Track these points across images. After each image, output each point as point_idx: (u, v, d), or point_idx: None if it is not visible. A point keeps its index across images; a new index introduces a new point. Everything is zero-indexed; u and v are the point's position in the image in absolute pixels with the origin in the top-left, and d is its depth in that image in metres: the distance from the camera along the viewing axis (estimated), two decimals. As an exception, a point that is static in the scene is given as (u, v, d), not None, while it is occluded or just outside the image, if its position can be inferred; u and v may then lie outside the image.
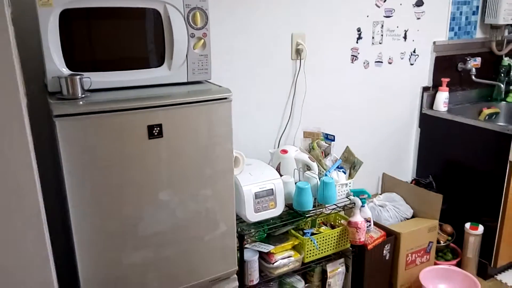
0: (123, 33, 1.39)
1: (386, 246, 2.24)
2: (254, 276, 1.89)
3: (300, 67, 2.23)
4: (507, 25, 2.74)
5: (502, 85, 2.81)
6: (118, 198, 1.33)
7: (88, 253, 1.33)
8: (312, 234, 2.02)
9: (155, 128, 1.34)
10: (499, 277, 2.49)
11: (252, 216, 1.83)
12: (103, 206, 1.32)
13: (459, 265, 2.47)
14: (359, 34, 2.36)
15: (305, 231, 2.04)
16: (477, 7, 2.71)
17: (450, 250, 2.54)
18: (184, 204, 1.46)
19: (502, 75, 2.83)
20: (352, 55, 2.38)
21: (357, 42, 2.37)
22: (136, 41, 1.41)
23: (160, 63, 1.46)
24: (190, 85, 1.53)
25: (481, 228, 2.40)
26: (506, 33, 2.79)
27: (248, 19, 2.03)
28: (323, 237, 2.02)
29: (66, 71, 1.30)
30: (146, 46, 1.44)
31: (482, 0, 2.71)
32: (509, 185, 2.29)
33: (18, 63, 1.00)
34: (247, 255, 1.86)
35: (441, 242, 2.49)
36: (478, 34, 2.78)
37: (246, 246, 1.87)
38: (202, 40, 1.50)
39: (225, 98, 1.45)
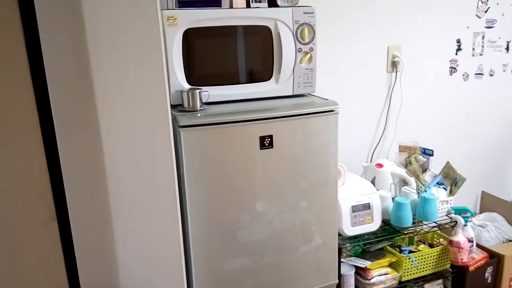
0: (237, 49, 1.46)
1: (488, 269, 2.10)
2: (350, 291, 1.86)
3: (396, 79, 2.19)
4: None
5: None
6: (230, 204, 1.39)
7: (202, 258, 1.39)
8: (410, 252, 1.96)
9: (266, 139, 1.39)
10: None
11: (349, 230, 1.82)
12: (218, 211, 1.38)
13: None
14: (459, 46, 2.28)
15: (402, 248, 1.98)
16: None
17: (560, 277, 2.33)
18: (290, 214, 1.49)
19: None
20: (451, 67, 2.29)
21: (456, 54, 2.29)
22: (248, 56, 1.48)
23: (269, 77, 1.51)
24: (295, 98, 1.56)
25: None
26: None
27: (344, 32, 2.04)
28: (422, 255, 1.95)
29: (187, 85, 1.40)
30: (257, 61, 1.50)
31: None
32: None
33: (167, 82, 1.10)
34: (344, 269, 1.84)
35: (550, 268, 2.29)
36: None
37: (342, 260, 1.85)
38: (309, 55, 1.54)
39: (332, 111, 1.47)
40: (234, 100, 1.49)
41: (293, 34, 1.50)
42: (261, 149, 1.39)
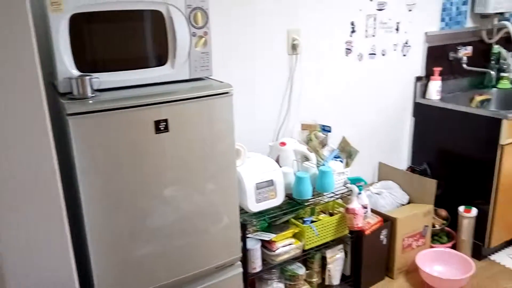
0: (128, 34, 1.45)
1: (383, 231, 2.33)
2: (256, 264, 1.97)
3: (297, 61, 2.30)
4: (497, 13, 2.81)
5: (493, 72, 2.89)
6: (128, 192, 1.41)
7: (101, 247, 1.41)
8: (312, 222, 2.11)
9: (162, 123, 1.42)
10: (493, 257, 2.59)
11: (254, 206, 1.91)
12: (114, 200, 1.39)
13: (454, 247, 2.56)
14: (353, 28, 2.43)
15: (305, 219, 2.12)
16: (468, -3, 2.79)
17: (445, 234, 2.64)
18: (189, 198, 1.54)
19: (493, 62, 2.91)
20: (346, 49, 2.45)
21: (351, 36, 2.44)
22: (141, 41, 1.48)
23: (163, 62, 1.53)
24: (192, 82, 1.60)
25: (474, 211, 2.50)
26: (495, 22, 2.87)
27: (244, 16, 2.09)
28: (322, 224, 2.11)
29: (76, 72, 1.37)
30: (150, 46, 1.51)
31: (473, -10, 2.78)
32: (501, 168, 2.38)
33: (39, 65, 1.08)
34: (250, 244, 1.94)
35: (436, 226, 2.58)
36: (469, 24, 2.86)
37: (248, 235, 1.95)
38: (204, 39, 1.57)
39: (227, 93, 1.53)
40: (130, 86, 1.49)
41: (186, 19, 1.52)
42: (156, 133, 1.42)
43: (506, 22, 2.79)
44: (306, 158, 2.13)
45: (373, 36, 2.52)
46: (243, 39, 2.12)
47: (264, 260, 2.01)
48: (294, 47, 2.27)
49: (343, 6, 2.36)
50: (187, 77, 1.59)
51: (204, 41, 1.58)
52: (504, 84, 2.90)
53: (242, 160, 1.89)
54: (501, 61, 2.91)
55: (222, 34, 2.04)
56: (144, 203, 1.45)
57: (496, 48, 2.90)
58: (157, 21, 1.49)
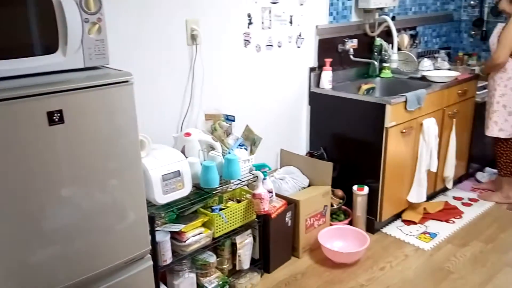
0: (11, 20, 1.33)
1: (287, 214, 2.44)
2: (167, 256, 1.95)
3: (197, 52, 2.30)
4: (377, 8, 3.10)
5: (376, 63, 3.18)
6: (19, 193, 1.30)
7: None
8: (220, 209, 2.14)
9: (56, 114, 1.33)
10: (384, 230, 2.86)
11: (161, 198, 1.88)
12: (11, 200, 1.28)
13: (350, 223, 2.79)
14: (250, 20, 2.50)
15: (213, 207, 2.14)
16: (352, -7, 3.03)
17: (342, 212, 2.85)
18: (91, 195, 1.47)
19: (376, 53, 3.20)
20: (244, 40, 2.51)
21: (248, 27, 2.51)
22: (26, 27, 1.37)
23: (54, 49, 1.43)
24: (87, 70, 1.51)
25: (366, 189, 2.73)
26: (376, 16, 3.15)
27: (143, 5, 2.04)
28: (231, 211, 2.15)
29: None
30: (38, 33, 1.40)
31: (355, -13, 3.03)
32: (386, 149, 2.63)
33: None
34: (159, 236, 1.91)
35: (334, 205, 2.78)
36: (354, 18, 3.10)
37: (157, 228, 1.92)
38: (97, 25, 1.50)
39: (126, 81, 1.48)
40: (16, 76, 1.37)
41: (77, 4, 1.44)
42: (50, 125, 1.32)
43: (385, 17, 3.08)
44: (212, 148, 2.15)
45: (269, 28, 2.61)
46: (143, 28, 2.07)
47: (174, 252, 1.99)
48: (193, 38, 2.27)
49: (239, -2, 2.42)
50: (81, 66, 1.50)
51: (98, 28, 1.51)
52: (386, 73, 3.20)
53: (146, 152, 1.84)
54: (382, 52, 3.21)
55: (121, 23, 1.96)
56: (37, 205, 1.34)
57: (378, 40, 3.19)
58: (44, 6, 1.39)
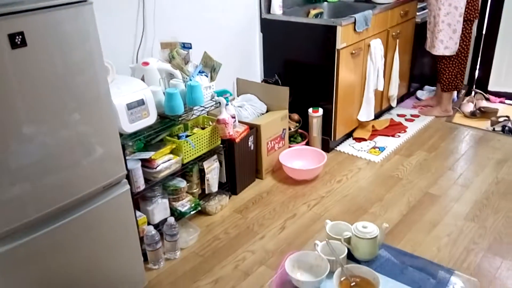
0: None
1: (250, 138, 2.52)
2: (140, 183, 1.98)
3: (145, -23, 2.21)
4: None
5: (322, -13, 3.21)
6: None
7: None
8: (187, 136, 2.17)
9: (17, 37, 1.26)
10: (338, 148, 3.04)
11: (128, 127, 1.87)
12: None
13: (308, 144, 2.93)
14: None
15: (180, 135, 2.17)
16: None
17: (299, 134, 2.98)
18: (61, 124, 1.43)
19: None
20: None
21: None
22: None
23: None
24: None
25: (320, 111, 2.86)
26: None
27: None
28: (197, 137, 2.19)
29: None
30: None
31: None
32: (338, 71, 2.74)
33: None
34: (130, 164, 1.92)
35: (292, 128, 2.90)
36: None
37: (127, 157, 1.92)
38: None
39: (85, 1, 1.41)
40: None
41: None
42: (13, 48, 1.26)
43: None
44: (172, 76, 2.14)
45: (216, -49, 2.53)
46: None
47: (146, 179, 2.02)
48: (140, -38, 2.16)
49: None
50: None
51: None
52: (332, -3, 3.25)
53: (112, 77, 1.81)
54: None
55: None
56: (10, 140, 1.30)
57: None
58: None
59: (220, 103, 2.24)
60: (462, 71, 3.30)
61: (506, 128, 3.16)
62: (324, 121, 2.90)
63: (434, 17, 3.17)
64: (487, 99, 3.69)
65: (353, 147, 3.05)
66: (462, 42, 3.17)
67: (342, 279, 1.29)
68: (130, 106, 1.86)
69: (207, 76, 2.27)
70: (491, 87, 3.78)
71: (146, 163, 2.00)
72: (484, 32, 3.65)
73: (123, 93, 1.85)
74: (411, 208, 2.36)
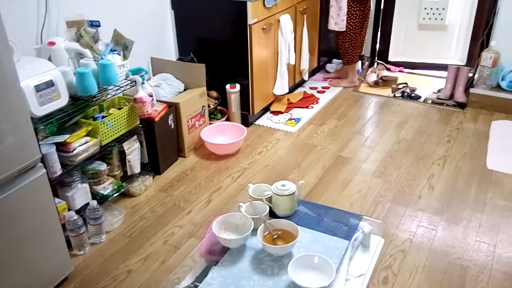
0: None
1: (169, 116, 2.53)
2: (56, 168, 1.91)
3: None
4: None
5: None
6: None
7: None
8: (103, 117, 2.12)
9: None
10: (257, 122, 3.15)
11: (38, 110, 1.79)
12: None
13: (228, 120, 3.00)
14: None
15: (95, 116, 2.12)
16: None
17: (219, 111, 3.04)
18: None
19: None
20: None
21: None
22: None
23: None
24: None
25: (238, 87, 2.93)
26: None
27: None
28: (114, 117, 2.15)
29: None
30: None
31: None
32: (252, 46, 2.82)
33: None
34: (44, 149, 1.84)
35: (211, 105, 2.94)
36: None
37: (40, 143, 1.84)
38: None
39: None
40: None
41: None
42: None
43: None
44: (82, 55, 2.07)
45: None
46: None
47: (64, 164, 1.95)
48: None
49: None
50: None
51: None
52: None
53: (17, 56, 1.70)
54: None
55: None
56: None
57: None
58: None
59: (135, 81, 2.21)
60: (355, 46, 3.53)
61: (405, 93, 3.48)
62: (242, 97, 2.98)
63: None
64: (388, 69, 4.02)
65: (271, 120, 3.17)
66: (350, 20, 3.39)
67: (265, 233, 1.39)
68: (38, 88, 1.78)
69: (119, 55, 2.22)
70: (391, 57, 4.11)
71: (62, 147, 1.93)
72: (382, 7, 3.95)
73: (29, 75, 1.76)
74: (326, 171, 2.54)
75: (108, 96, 2.17)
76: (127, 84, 2.21)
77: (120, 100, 2.34)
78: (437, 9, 3.70)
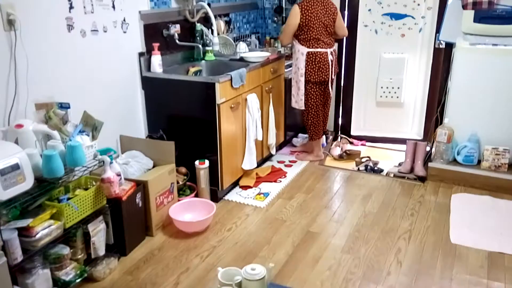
0: None
1: (137, 195, 2.50)
2: (17, 254, 1.83)
3: (16, 38, 2.14)
4: (194, -4, 3.32)
5: (200, 47, 3.42)
6: None
7: None
8: (68, 199, 2.08)
9: None
10: (226, 197, 3.15)
11: (1, 194, 1.76)
12: None
13: (197, 196, 2.99)
14: (71, 4, 2.42)
15: (60, 198, 2.07)
16: (169, -20, 3.17)
17: (188, 187, 3.03)
18: None
19: (198, 38, 3.43)
20: (68, 25, 2.42)
21: (70, 12, 2.43)
22: None
23: None
24: None
25: (207, 163, 2.97)
26: (194, 3, 3.38)
27: None
28: (80, 199, 2.11)
29: None
30: None
31: (172, -25, 3.17)
32: (220, 124, 2.90)
33: None
34: (6, 235, 1.77)
35: (180, 181, 2.94)
36: (174, 4, 3.26)
37: (2, 227, 1.78)
38: None
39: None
40: None
41: None
42: None
43: (203, 3, 3.33)
44: (50, 137, 2.06)
45: (92, 12, 2.57)
46: None
47: (25, 249, 1.87)
48: (10, 23, 2.11)
49: (57, -19, 2.32)
50: None
51: None
52: (209, 56, 3.47)
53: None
54: (204, 37, 3.46)
55: None
56: None
57: (198, 26, 3.42)
58: None
59: (104, 161, 2.21)
60: (318, 123, 3.67)
61: (368, 167, 3.61)
62: (211, 172, 3.01)
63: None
64: (351, 143, 4.20)
65: (240, 195, 3.19)
66: (309, 100, 3.58)
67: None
68: (3, 172, 1.75)
69: (88, 135, 2.23)
70: (353, 132, 4.30)
71: (24, 232, 1.86)
72: (342, 85, 4.20)
73: (-5, 159, 1.74)
74: (296, 248, 2.54)
75: (75, 177, 2.15)
76: (95, 165, 2.20)
77: (87, 180, 2.31)
78: (393, 88, 3.97)
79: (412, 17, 3.80)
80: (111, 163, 2.25)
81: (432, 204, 3.03)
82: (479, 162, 3.22)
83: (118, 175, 2.29)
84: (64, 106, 2.22)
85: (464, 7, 3.18)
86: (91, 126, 2.27)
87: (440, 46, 3.66)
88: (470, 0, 3.15)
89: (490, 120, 3.17)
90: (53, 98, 2.22)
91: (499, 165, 3.12)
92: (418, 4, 3.75)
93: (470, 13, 3.18)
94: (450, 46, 3.48)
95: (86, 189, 2.26)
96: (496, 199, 3.05)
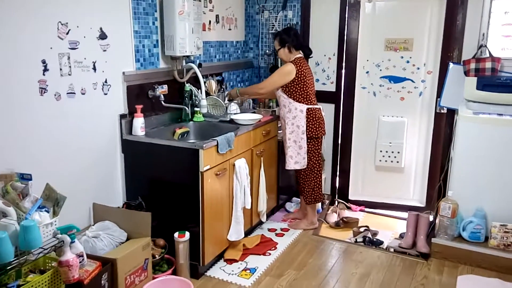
0: None
1: (103, 276, 2.23)
2: None
3: (-22, 103, 1.97)
4: (184, 56, 3.19)
5: (187, 108, 3.25)
6: None
7: None
8: (18, 286, 1.82)
9: None
10: (208, 273, 2.86)
11: None
12: None
13: (175, 272, 2.71)
14: (45, 66, 2.28)
15: (8, 285, 1.81)
16: (157, 40, 3.05)
17: (165, 261, 2.76)
18: None
19: (187, 99, 3.28)
20: (40, 88, 2.26)
21: (44, 74, 2.28)
22: None
23: None
24: None
25: (187, 235, 2.71)
26: (184, 63, 3.25)
27: None
28: (32, 286, 1.85)
29: None
30: None
31: (160, 35, 3.06)
32: (204, 192, 2.68)
33: None
34: None
35: (156, 256, 2.67)
36: (162, 64, 3.13)
37: None
38: None
39: None
40: None
41: None
42: None
43: (191, 64, 3.20)
44: (4, 215, 1.84)
45: (70, 75, 2.42)
46: None
47: None
48: (-28, 87, 1.94)
49: (30, 42, 2.18)
50: None
51: None
52: (198, 117, 3.30)
53: None
54: (193, 97, 3.31)
55: None
56: None
57: (188, 86, 3.28)
58: None
59: (63, 241, 1.96)
60: (319, 184, 3.48)
61: (367, 238, 3.33)
62: (192, 245, 2.74)
63: (283, 135, 3.42)
64: (349, 208, 3.94)
65: (223, 270, 2.90)
66: (312, 157, 3.39)
67: None
68: None
69: (48, 212, 2.00)
70: (351, 196, 4.06)
71: (-45, 331, 1.59)
72: (339, 146, 4.00)
73: None
74: None
75: (28, 261, 1.90)
76: (53, 245, 1.96)
77: (45, 260, 2.06)
78: (393, 152, 3.77)
79: (412, 81, 3.66)
80: (72, 242, 2.00)
81: (436, 286, 2.73)
82: (486, 239, 2.94)
83: (80, 255, 2.04)
84: (25, 178, 2.01)
85: (467, 73, 3.04)
86: (53, 200, 2.05)
87: (442, 111, 3.49)
88: (473, 66, 3.01)
89: (497, 194, 2.92)
90: (13, 169, 2.02)
91: (508, 243, 2.84)
92: (418, 68, 3.62)
93: (473, 80, 3.03)
94: (452, 111, 3.31)
95: (43, 271, 2.00)
96: (506, 283, 2.75)
